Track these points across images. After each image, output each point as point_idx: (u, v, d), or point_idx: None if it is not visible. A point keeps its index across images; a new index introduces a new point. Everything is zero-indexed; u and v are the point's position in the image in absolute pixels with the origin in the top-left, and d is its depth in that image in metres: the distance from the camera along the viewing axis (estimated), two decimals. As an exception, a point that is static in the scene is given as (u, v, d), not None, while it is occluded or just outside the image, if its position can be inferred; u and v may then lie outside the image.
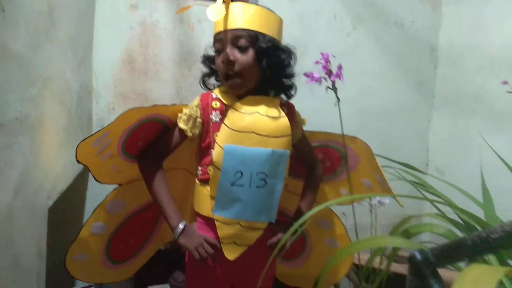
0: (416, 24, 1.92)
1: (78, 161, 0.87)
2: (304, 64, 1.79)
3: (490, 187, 1.21)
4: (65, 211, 1.14)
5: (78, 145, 0.84)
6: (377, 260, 1.25)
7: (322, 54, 1.04)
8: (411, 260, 0.76)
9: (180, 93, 1.66)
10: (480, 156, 1.35)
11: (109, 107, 1.59)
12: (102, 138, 0.92)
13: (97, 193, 1.07)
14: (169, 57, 1.63)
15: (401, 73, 1.93)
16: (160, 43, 1.62)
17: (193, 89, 1.67)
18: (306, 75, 1.05)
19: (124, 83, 1.60)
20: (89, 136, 0.86)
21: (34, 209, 0.85)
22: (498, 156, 1.18)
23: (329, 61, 1.03)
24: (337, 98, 1.05)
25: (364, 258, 1.40)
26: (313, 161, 1.17)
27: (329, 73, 1.04)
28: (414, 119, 1.98)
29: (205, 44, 1.08)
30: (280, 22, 1.02)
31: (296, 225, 0.80)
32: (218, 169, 0.95)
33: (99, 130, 0.88)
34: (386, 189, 1.24)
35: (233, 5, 0.94)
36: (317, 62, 1.04)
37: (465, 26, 1.84)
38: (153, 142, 1.05)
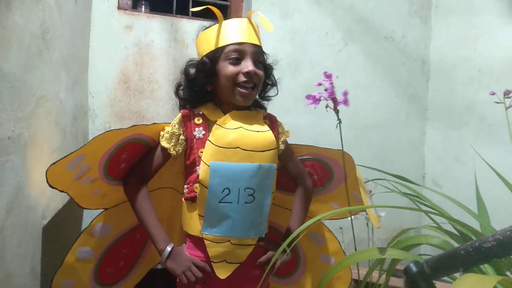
0: (406, 38, 1.95)
1: (50, 186, 0.83)
2: (296, 80, 1.83)
3: (485, 198, 1.21)
4: (61, 231, 1.14)
5: (48, 168, 0.81)
6: (376, 275, 1.24)
7: (325, 74, 1.01)
8: (406, 272, 0.76)
9: (176, 110, 1.66)
10: (474, 167, 1.36)
11: (105, 126, 1.60)
12: (78, 162, 0.89)
13: (94, 213, 1.07)
14: (164, 76, 1.65)
15: (392, 87, 1.95)
16: (155, 62, 1.64)
17: (188, 107, 1.69)
18: (308, 97, 1.03)
19: (119, 102, 1.62)
20: (59, 159, 0.83)
21: (27, 227, 0.85)
22: (490, 167, 1.19)
23: (332, 83, 1.01)
24: (339, 119, 1.04)
25: (363, 273, 1.38)
26: (301, 173, 1.15)
27: (334, 99, 1.02)
28: (408, 132, 2.00)
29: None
30: None
31: (284, 244, 0.79)
32: (205, 187, 0.95)
33: (71, 153, 0.85)
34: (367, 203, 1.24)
35: (250, 21, 1.00)
36: (319, 84, 1.02)
37: (455, 39, 1.87)
38: (137, 164, 1.04)
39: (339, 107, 1.02)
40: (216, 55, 0.97)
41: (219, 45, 0.97)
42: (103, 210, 1.07)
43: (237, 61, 0.96)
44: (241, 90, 0.97)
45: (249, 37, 0.97)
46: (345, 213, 1.25)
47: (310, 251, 1.27)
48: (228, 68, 0.96)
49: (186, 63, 1.04)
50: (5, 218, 0.72)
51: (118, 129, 0.93)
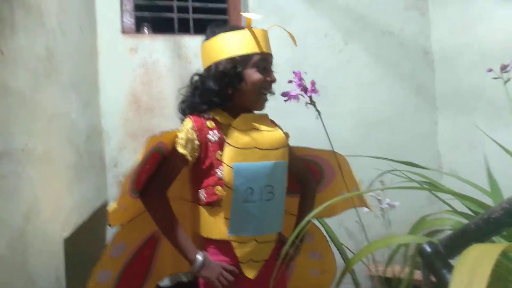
0: (405, 31, 1.96)
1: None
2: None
3: (499, 178, 1.20)
4: (85, 246, 1.17)
5: (126, 177, 0.88)
6: (398, 269, 1.23)
7: (294, 72, 1.08)
8: (421, 253, 0.76)
9: (185, 124, 1.71)
10: (485, 150, 1.35)
11: (119, 146, 1.65)
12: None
13: (117, 228, 1.08)
14: (171, 93, 1.70)
15: (398, 81, 1.95)
16: (161, 80, 1.70)
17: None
18: (283, 94, 1.08)
19: (131, 122, 1.67)
20: (133, 169, 0.90)
21: (47, 237, 0.89)
22: (501, 146, 1.18)
23: (303, 78, 1.07)
24: (317, 111, 1.08)
25: (382, 269, 1.37)
26: (305, 173, 1.19)
27: (305, 89, 1.07)
28: (419, 124, 1.98)
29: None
30: None
31: (291, 238, 0.82)
32: (230, 188, 0.97)
33: (137, 164, 0.92)
34: (363, 202, 1.26)
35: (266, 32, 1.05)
36: (290, 81, 1.07)
37: (454, 28, 1.87)
38: (155, 174, 1.03)
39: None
40: (244, 60, 1.00)
41: (248, 52, 1.00)
42: (118, 228, 1.07)
43: (263, 70, 1.02)
44: (263, 96, 1.04)
45: (269, 48, 1.05)
46: (335, 210, 1.27)
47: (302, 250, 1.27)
48: (257, 75, 1.01)
49: (214, 64, 1.03)
50: (24, 224, 0.76)
51: (152, 135, 0.95)
